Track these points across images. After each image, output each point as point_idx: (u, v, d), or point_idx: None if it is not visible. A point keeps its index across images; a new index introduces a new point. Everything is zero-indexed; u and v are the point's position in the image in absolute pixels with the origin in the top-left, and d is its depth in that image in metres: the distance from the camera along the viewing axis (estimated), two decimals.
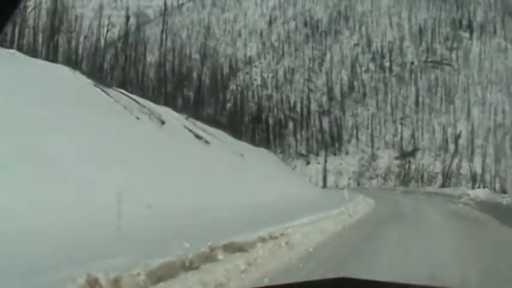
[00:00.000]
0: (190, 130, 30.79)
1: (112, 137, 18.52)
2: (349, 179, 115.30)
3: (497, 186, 67.77)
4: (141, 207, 13.06)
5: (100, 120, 19.49)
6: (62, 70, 26.13)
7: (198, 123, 36.65)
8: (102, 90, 25.77)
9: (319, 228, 15.73)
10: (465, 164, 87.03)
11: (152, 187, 15.91)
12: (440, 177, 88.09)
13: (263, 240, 11.65)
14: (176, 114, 34.79)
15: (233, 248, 10.04)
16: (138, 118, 24.04)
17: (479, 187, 60.17)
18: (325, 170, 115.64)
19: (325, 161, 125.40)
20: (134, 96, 29.47)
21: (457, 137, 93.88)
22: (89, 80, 26.74)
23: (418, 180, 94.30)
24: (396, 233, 16.73)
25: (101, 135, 17.57)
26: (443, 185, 70.07)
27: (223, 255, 9.44)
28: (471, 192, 36.11)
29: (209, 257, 9.04)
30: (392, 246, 13.67)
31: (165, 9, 78.22)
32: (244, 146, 40.34)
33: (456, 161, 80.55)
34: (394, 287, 2.93)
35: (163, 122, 27.00)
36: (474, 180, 73.48)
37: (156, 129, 25.44)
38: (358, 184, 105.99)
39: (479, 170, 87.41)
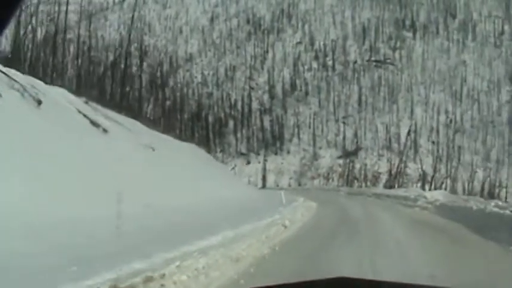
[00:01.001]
0: (85, 115, 24.35)
1: None
2: (290, 178, 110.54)
3: (449, 187, 63.88)
4: None
5: None
6: None
7: (101, 108, 30.22)
8: None
9: (232, 254, 10.13)
10: (412, 164, 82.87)
11: None
12: (384, 177, 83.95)
13: None
14: (72, 97, 28.09)
15: None
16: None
17: (430, 189, 55.46)
18: (264, 170, 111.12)
19: (265, 160, 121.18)
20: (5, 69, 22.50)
21: (408, 134, 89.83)
22: None
23: (362, 180, 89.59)
24: (351, 259, 10.92)
25: None
26: (389, 186, 65.09)
27: None
28: (428, 195, 30.81)
29: None
30: None
31: None
32: (164, 139, 33.46)
33: (403, 160, 75.74)
34: (394, 287, 2.84)
35: (39, 102, 20.40)
36: (424, 180, 68.87)
37: (29, 111, 18.79)
38: (300, 184, 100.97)
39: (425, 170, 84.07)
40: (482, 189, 65.65)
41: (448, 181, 65.91)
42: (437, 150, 76.10)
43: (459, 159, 67.18)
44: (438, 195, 29.32)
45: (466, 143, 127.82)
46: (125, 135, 26.24)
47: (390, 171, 74.31)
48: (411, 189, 46.30)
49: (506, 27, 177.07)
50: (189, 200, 18.83)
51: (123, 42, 73.67)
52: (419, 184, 68.27)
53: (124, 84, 56.79)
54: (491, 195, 56.22)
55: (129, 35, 62.28)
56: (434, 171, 66.01)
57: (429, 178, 68.07)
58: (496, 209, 17.21)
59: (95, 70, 57.34)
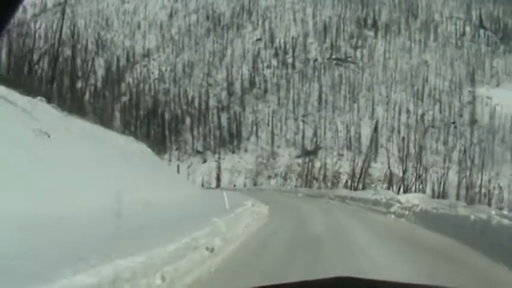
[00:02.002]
0: None
1: None
2: (246, 178, 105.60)
3: (427, 190, 58.23)
4: None
5: None
6: None
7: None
8: None
9: None
10: (374, 165, 78.03)
11: None
12: (345, 177, 79.05)
13: None
14: None
15: None
16: None
17: (400, 191, 50.04)
18: (218, 168, 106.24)
19: (219, 158, 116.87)
20: None
21: (375, 131, 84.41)
22: None
23: (321, 181, 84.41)
24: None
25: None
26: (353, 187, 59.40)
27: None
28: (402, 198, 24.37)
29: None
30: None
31: None
32: (82, 127, 27.20)
33: (368, 159, 70.18)
34: (394, 287, 2.77)
35: None
36: (391, 181, 63.17)
37: None
38: (255, 184, 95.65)
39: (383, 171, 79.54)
40: (458, 192, 61.62)
41: (417, 183, 59.14)
42: (404, 149, 70.18)
43: (420, 160, 61.62)
44: (414, 199, 23.87)
45: (427, 143, 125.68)
46: (14, 116, 20.72)
47: (353, 171, 67.72)
48: (382, 191, 39.85)
49: (467, 29, 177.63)
50: (68, 207, 13.18)
51: (79, 37, 68.14)
52: (384, 185, 63.29)
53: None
54: (472, 200, 51.19)
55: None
56: (404, 171, 59.45)
57: (395, 179, 63.67)
58: (506, 221, 12.06)
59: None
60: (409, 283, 2.54)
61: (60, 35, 44.79)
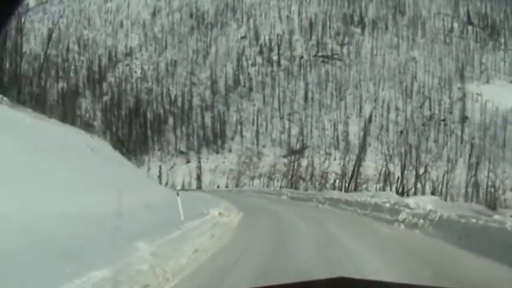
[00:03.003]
0: None
1: None
2: (228, 179, 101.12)
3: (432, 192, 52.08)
4: None
5: None
6: None
7: None
8: None
9: None
10: (366, 163, 72.29)
11: None
12: (333, 177, 74.21)
13: None
14: None
15: None
16: None
17: (404, 193, 44.35)
18: (199, 169, 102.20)
19: (199, 159, 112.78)
20: None
21: (369, 121, 77.40)
22: None
23: (308, 181, 78.93)
24: None
25: None
26: (343, 188, 53.40)
27: None
28: (411, 202, 18.06)
29: None
30: None
31: None
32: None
33: (361, 157, 63.36)
34: (394, 287, 2.81)
35: None
36: (385, 181, 57.65)
37: None
38: (237, 185, 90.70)
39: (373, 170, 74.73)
40: (467, 193, 55.68)
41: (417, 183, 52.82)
42: (403, 144, 65.35)
43: (419, 158, 56.32)
44: (427, 204, 18.58)
45: (417, 141, 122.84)
46: None
47: (344, 170, 61.59)
48: (381, 193, 32.89)
49: (455, 25, 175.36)
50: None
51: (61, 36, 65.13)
52: (377, 186, 58.29)
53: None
54: (493, 204, 43.28)
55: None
56: (403, 170, 52.80)
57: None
58: None
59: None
60: (408, 283, 2.57)
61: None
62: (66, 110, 52.70)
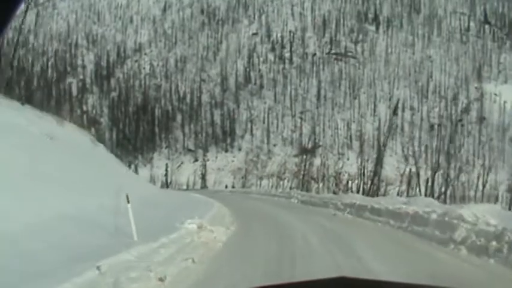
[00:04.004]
0: None
1: None
2: (234, 178, 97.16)
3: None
4: None
5: None
6: None
7: None
8: None
9: None
10: (387, 165, 66.72)
11: None
12: (346, 178, 69.55)
13: None
14: None
15: None
16: None
17: (440, 197, 38.98)
18: (204, 168, 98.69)
19: (205, 156, 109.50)
20: None
21: (394, 113, 69.88)
22: None
23: (320, 182, 73.82)
24: None
25: None
26: (362, 191, 47.04)
27: None
28: (467, 214, 11.98)
29: None
30: None
31: None
32: None
33: (382, 157, 56.54)
34: (394, 287, 2.72)
35: None
36: (409, 184, 52.20)
37: None
38: (244, 185, 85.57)
39: (391, 172, 70.13)
40: None
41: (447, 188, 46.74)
42: (440, 142, 60.09)
43: (450, 160, 50.84)
44: (487, 214, 12.64)
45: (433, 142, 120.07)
46: None
47: (361, 171, 55.16)
48: (417, 199, 24.37)
49: (472, 24, 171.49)
50: None
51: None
52: (399, 189, 52.70)
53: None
54: None
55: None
56: (435, 171, 46.43)
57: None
58: None
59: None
60: (409, 283, 2.47)
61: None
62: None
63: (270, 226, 16.25)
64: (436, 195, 41.69)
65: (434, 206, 17.41)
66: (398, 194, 43.97)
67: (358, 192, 46.40)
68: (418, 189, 47.28)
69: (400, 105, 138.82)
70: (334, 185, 64.98)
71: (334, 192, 47.40)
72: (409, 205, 18.98)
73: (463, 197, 48.41)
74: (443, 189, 44.20)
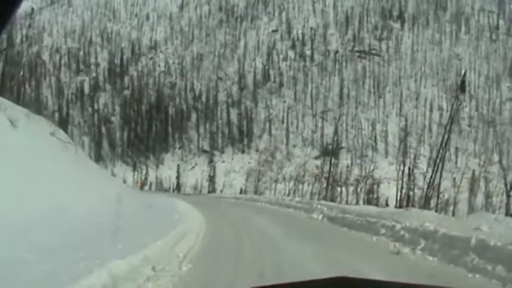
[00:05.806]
0: None
1: None
2: (247, 182, 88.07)
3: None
4: None
5: None
6: None
7: None
8: None
9: None
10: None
11: None
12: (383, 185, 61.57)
13: None
14: None
15: None
16: None
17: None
18: (213, 170, 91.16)
19: (212, 158, 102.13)
20: None
21: (461, 89, 55.97)
22: None
23: (343, 186, 64.31)
24: None
25: None
26: (400, 204, 35.81)
27: None
28: None
29: None
30: None
31: None
32: None
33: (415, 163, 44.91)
34: (394, 286, 2.69)
35: None
36: (471, 191, 43.07)
37: None
38: (256, 191, 74.85)
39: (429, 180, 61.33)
40: None
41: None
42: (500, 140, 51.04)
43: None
44: None
45: (463, 145, 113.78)
46: None
47: (410, 176, 41.50)
48: (479, 214, 16.35)
49: (501, 22, 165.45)
50: None
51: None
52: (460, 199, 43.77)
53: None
54: None
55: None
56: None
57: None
58: None
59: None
60: (409, 283, 2.43)
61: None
62: None
63: None
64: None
65: None
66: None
67: (397, 202, 37.63)
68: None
69: (427, 105, 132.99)
70: (362, 190, 56.68)
71: (369, 202, 38.42)
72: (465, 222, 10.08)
73: None
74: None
